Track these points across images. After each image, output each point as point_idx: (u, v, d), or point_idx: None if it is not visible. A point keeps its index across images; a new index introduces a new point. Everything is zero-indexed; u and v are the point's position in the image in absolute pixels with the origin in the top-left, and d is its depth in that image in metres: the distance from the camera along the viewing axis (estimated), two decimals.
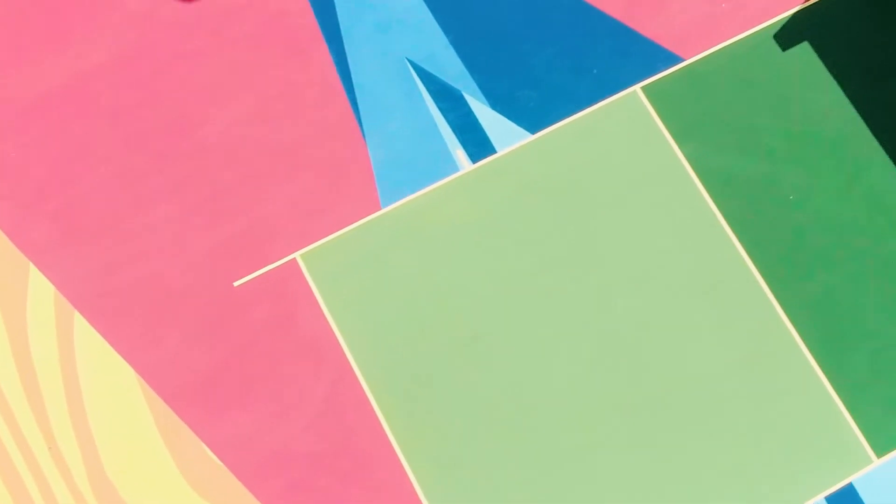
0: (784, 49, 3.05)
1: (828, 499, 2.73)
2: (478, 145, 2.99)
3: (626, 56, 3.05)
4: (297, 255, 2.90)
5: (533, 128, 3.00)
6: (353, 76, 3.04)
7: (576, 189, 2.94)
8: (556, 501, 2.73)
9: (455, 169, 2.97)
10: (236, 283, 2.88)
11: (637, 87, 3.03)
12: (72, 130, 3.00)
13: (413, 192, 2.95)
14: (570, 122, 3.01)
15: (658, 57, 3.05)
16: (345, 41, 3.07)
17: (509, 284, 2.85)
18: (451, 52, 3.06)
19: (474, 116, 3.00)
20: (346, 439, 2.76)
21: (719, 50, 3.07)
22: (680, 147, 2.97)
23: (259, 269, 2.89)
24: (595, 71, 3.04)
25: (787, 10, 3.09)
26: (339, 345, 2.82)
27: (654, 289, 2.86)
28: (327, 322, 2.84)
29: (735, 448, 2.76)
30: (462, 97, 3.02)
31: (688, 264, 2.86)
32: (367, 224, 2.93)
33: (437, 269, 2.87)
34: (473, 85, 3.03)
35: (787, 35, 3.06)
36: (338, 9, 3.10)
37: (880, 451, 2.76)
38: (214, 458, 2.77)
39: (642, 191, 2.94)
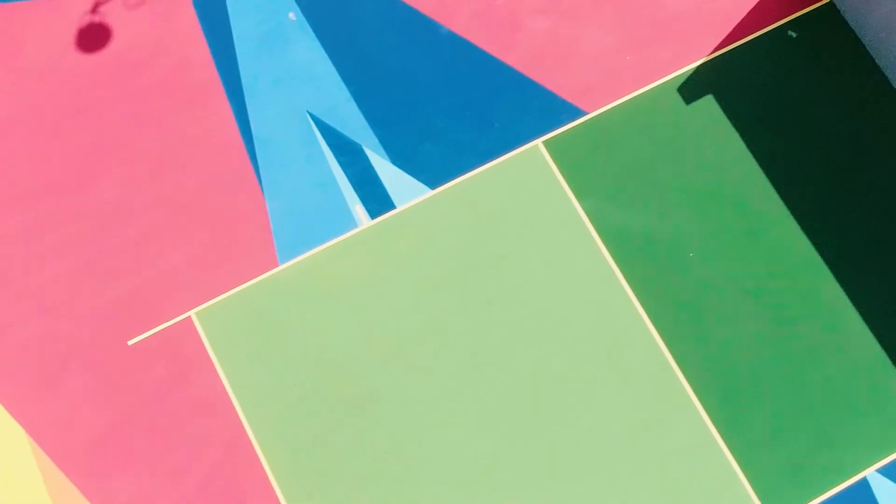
0: (688, 102, 3.03)
1: None
2: (377, 201, 2.96)
3: (529, 109, 3.03)
4: (192, 312, 2.87)
5: (433, 182, 2.97)
6: (253, 129, 3.01)
7: (474, 245, 2.92)
8: None
9: (354, 225, 2.94)
10: (131, 342, 2.85)
11: (539, 141, 3.01)
12: None
13: (311, 248, 2.92)
14: (470, 176, 2.98)
15: (561, 110, 3.03)
16: (246, 93, 3.04)
17: (406, 342, 2.83)
18: (353, 105, 3.03)
19: (374, 171, 2.98)
20: (239, 502, 2.74)
21: (623, 103, 3.04)
22: (580, 202, 2.95)
23: (154, 327, 2.86)
24: (497, 125, 3.02)
25: (691, 62, 3.07)
26: (233, 405, 2.80)
27: (552, 348, 2.84)
28: (221, 382, 2.81)
29: None
30: (362, 151, 2.99)
31: (586, 323, 2.84)
32: (263, 281, 2.90)
33: (333, 328, 2.84)
34: (374, 139, 3.01)
35: (691, 88, 3.05)
36: (240, 60, 3.07)
37: None
38: None
39: (541, 248, 2.92)
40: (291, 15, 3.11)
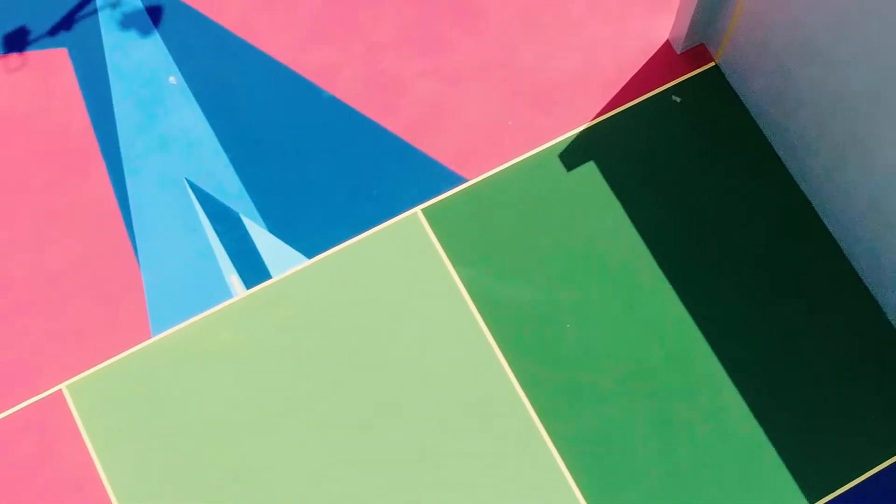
0: (569, 169, 3.01)
1: None
2: (253, 271, 2.94)
3: (409, 176, 3.01)
4: (63, 385, 2.85)
5: (310, 252, 2.95)
6: (130, 197, 2.99)
7: (350, 316, 2.90)
8: None
9: (229, 295, 2.92)
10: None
11: (418, 209, 2.99)
12: None
13: (185, 319, 2.90)
14: (348, 245, 2.97)
15: (441, 177, 3.01)
16: (124, 160, 3.01)
17: (280, 415, 2.81)
18: (231, 172, 3.01)
19: (251, 240, 2.96)
20: None
21: (504, 170, 3.02)
22: (457, 272, 2.93)
23: (24, 400, 2.84)
24: (376, 192, 3.00)
25: (574, 128, 3.04)
26: (102, 482, 2.78)
27: (426, 421, 2.82)
28: (91, 457, 2.79)
29: None
30: (239, 219, 2.97)
31: (460, 395, 2.83)
32: (136, 353, 2.88)
33: (205, 402, 2.82)
34: (252, 207, 2.98)
35: (572, 155, 3.02)
36: (119, 126, 3.05)
37: None
38: None
39: (418, 318, 2.90)
40: (172, 79, 3.08)
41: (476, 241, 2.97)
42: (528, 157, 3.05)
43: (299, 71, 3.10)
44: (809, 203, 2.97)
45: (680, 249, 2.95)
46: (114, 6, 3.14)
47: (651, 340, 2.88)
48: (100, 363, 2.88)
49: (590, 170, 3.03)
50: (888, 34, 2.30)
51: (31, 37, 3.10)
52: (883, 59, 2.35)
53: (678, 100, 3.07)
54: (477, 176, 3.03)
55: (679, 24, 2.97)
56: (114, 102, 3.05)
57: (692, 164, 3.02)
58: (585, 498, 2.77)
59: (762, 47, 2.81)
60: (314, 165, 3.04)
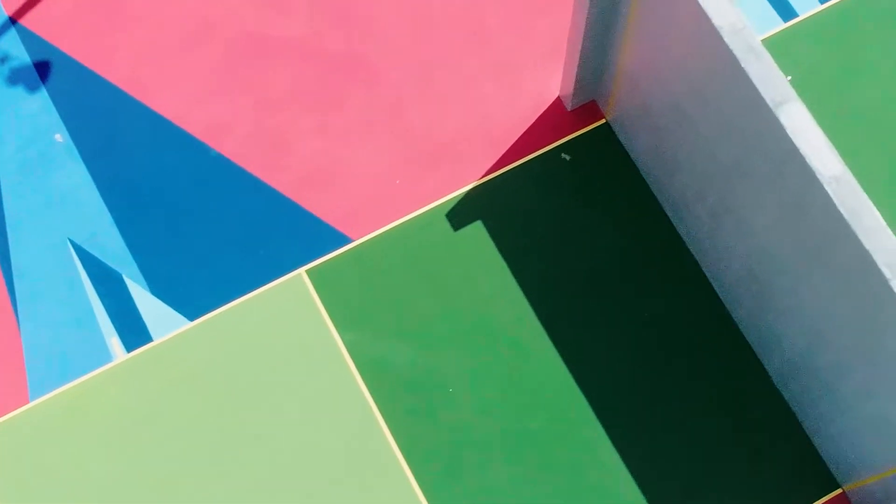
0: (456, 229, 2.98)
1: None
2: (134, 333, 2.91)
3: (295, 236, 2.98)
4: None
5: (192, 314, 2.92)
6: (12, 259, 2.96)
7: (231, 380, 2.87)
8: None
9: (109, 358, 2.89)
10: None
11: (302, 270, 2.96)
12: None
13: (64, 383, 2.87)
14: (230, 307, 2.94)
15: (327, 237, 2.98)
16: (7, 220, 2.99)
17: (160, 481, 2.78)
18: (115, 232, 2.98)
19: (133, 302, 2.93)
20: None
21: (390, 229, 2.99)
22: (340, 335, 2.90)
23: None
24: (261, 252, 2.97)
25: (462, 187, 3.01)
26: None
27: (306, 485, 2.79)
28: None
29: None
30: (122, 281, 2.94)
31: (341, 461, 2.80)
32: (12, 419, 2.85)
33: (85, 468, 2.80)
34: (135, 268, 2.96)
35: (460, 214, 2.99)
36: (2, 185, 3.02)
37: None
38: None
39: (300, 383, 2.87)
40: (58, 136, 3.05)
41: (360, 303, 2.94)
42: (415, 217, 3.01)
43: (187, 128, 3.07)
44: (697, 264, 2.94)
45: (567, 310, 2.92)
46: (2, 61, 3.11)
47: (535, 405, 2.85)
48: None
49: (477, 229, 3.00)
50: (743, 111, 2.27)
51: None
52: (741, 135, 2.32)
53: (567, 157, 3.04)
54: (363, 236, 3.00)
55: (566, 82, 2.94)
56: None
57: (581, 223, 2.99)
58: None
59: (642, 109, 2.78)
60: (199, 225, 3.01)
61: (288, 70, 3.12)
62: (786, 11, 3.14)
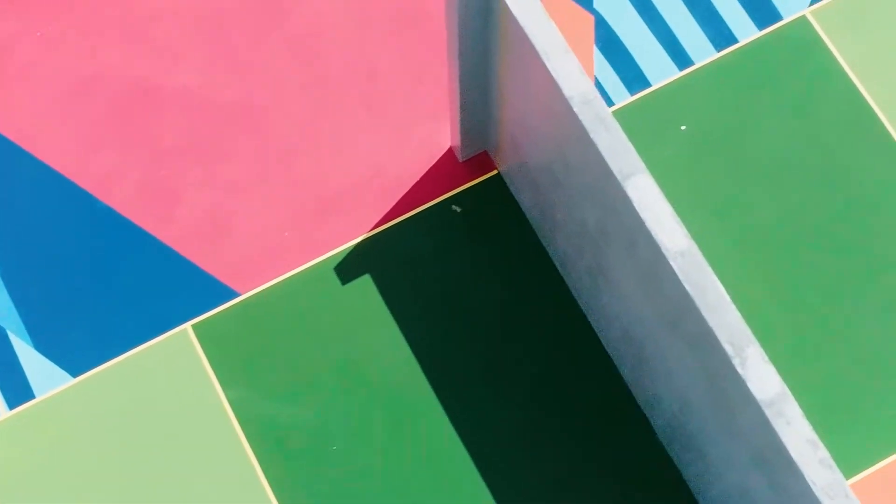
0: (344, 282, 2.95)
1: None
2: (16, 390, 2.88)
3: (182, 290, 2.95)
4: None
5: (76, 370, 2.89)
6: None
7: (113, 439, 2.84)
8: None
9: None
10: None
11: (188, 325, 2.93)
12: None
13: None
14: (115, 363, 2.91)
15: (214, 291, 2.95)
16: None
17: None
18: (0, 287, 2.95)
19: (16, 358, 2.90)
20: None
21: (278, 283, 2.96)
22: (225, 393, 2.87)
23: None
24: (148, 307, 2.94)
25: (351, 240, 2.98)
26: None
27: None
28: None
29: None
30: (6, 336, 2.91)
31: None
32: None
33: None
34: (20, 323, 2.93)
35: (348, 267, 2.96)
36: None
37: None
38: None
39: (182, 440, 2.84)
40: None
41: (246, 360, 2.91)
42: (303, 270, 2.98)
43: (76, 180, 3.04)
44: (586, 318, 2.91)
45: (454, 366, 2.89)
46: None
47: (420, 464, 2.82)
48: None
49: (365, 283, 2.97)
50: (598, 180, 2.23)
51: None
52: (601, 203, 2.29)
53: (458, 209, 3.01)
54: (251, 290, 2.97)
55: (454, 133, 2.91)
56: None
57: (470, 276, 2.95)
58: None
59: (524, 165, 2.75)
60: (85, 279, 2.98)
61: (179, 120, 3.08)
62: (682, 59, 3.11)
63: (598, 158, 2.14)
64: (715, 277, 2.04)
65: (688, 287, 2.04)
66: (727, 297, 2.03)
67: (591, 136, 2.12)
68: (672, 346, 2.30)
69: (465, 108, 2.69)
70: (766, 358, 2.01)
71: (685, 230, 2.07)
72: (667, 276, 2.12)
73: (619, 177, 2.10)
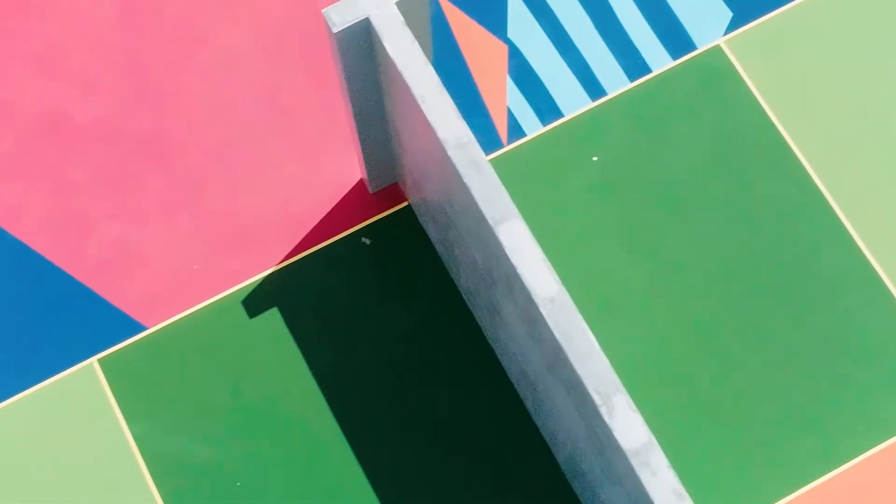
0: (252, 316, 2.93)
1: None
2: None
3: (88, 324, 2.93)
4: None
5: None
6: None
7: (20, 474, 2.82)
8: None
9: None
10: None
11: (94, 360, 2.91)
12: None
13: None
14: (19, 398, 2.89)
15: (121, 325, 2.93)
16: None
17: None
18: None
19: None
20: None
21: (186, 316, 2.94)
22: (130, 428, 2.85)
23: None
24: (53, 341, 2.92)
25: (260, 272, 2.96)
26: None
27: None
28: None
29: None
30: None
31: None
32: None
33: None
34: None
35: (256, 301, 2.94)
36: None
37: None
38: None
39: (86, 477, 2.83)
40: None
41: (152, 394, 2.89)
42: (211, 304, 2.97)
43: None
44: (493, 352, 2.89)
45: (362, 400, 2.87)
46: None
47: (332, 496, 2.80)
48: None
49: (273, 317, 2.95)
50: (476, 224, 2.22)
51: None
52: (484, 245, 2.27)
53: (367, 241, 2.99)
54: (158, 323, 2.95)
55: (361, 166, 2.90)
56: None
57: (378, 309, 2.94)
58: None
59: (424, 200, 2.74)
60: None
61: (89, 151, 3.07)
62: (595, 90, 3.09)
63: (473, 203, 2.12)
64: (585, 325, 2.03)
65: (556, 334, 2.02)
66: (596, 345, 2.01)
67: (465, 180, 2.10)
68: (555, 388, 2.28)
69: (364, 143, 2.67)
70: (634, 407, 1.99)
71: (556, 276, 2.05)
72: (540, 321, 2.10)
73: (491, 222, 2.08)
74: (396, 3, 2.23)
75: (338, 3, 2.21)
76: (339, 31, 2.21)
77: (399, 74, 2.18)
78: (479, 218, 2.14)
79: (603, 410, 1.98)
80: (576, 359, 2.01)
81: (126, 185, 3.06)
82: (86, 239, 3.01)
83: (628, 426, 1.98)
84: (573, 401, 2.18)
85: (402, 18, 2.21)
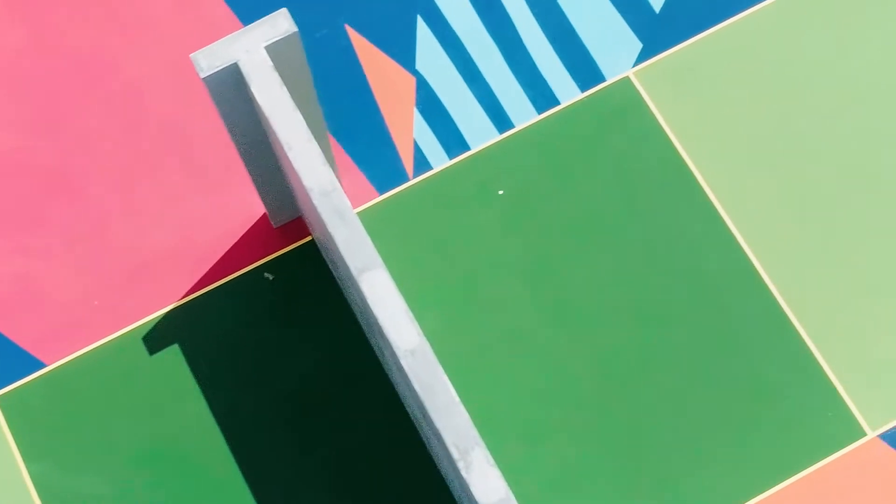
0: (151, 352, 2.91)
1: None
2: None
3: None
4: None
5: None
6: None
7: None
8: None
9: None
10: None
11: None
12: None
13: None
14: None
15: (20, 362, 2.91)
16: None
17: None
18: None
19: None
20: None
21: (85, 354, 2.92)
22: (28, 467, 2.83)
23: None
24: None
25: (162, 308, 2.94)
26: None
27: None
28: None
29: None
30: None
31: None
32: None
33: None
34: None
35: (157, 337, 2.92)
36: None
37: None
38: None
39: None
40: None
41: (51, 433, 2.87)
42: (111, 340, 2.94)
43: None
44: (394, 387, 2.87)
45: (264, 437, 2.85)
46: None
47: None
48: None
49: (174, 353, 2.92)
50: (346, 271, 2.20)
51: None
52: (357, 292, 2.25)
53: (270, 276, 2.96)
54: (58, 360, 2.93)
55: (260, 201, 2.87)
56: None
57: (281, 345, 2.91)
58: None
59: (317, 237, 2.71)
60: None
61: None
62: (502, 122, 3.07)
63: (338, 251, 2.10)
64: (445, 378, 2.00)
65: (416, 386, 2.00)
66: (456, 398, 1.99)
67: (329, 229, 2.08)
68: (429, 436, 2.26)
69: (255, 178, 2.65)
70: (492, 462, 1.97)
71: (418, 328, 2.03)
72: (403, 371, 2.08)
73: (354, 271, 2.06)
74: (266, 48, 2.20)
75: (208, 46, 2.18)
76: (206, 77, 2.19)
77: (267, 120, 2.16)
78: (346, 266, 2.12)
79: (461, 465, 1.96)
80: (435, 411, 1.98)
81: (28, 218, 3.04)
82: None
83: (485, 481, 1.96)
84: (442, 450, 2.16)
85: (271, 63, 2.18)
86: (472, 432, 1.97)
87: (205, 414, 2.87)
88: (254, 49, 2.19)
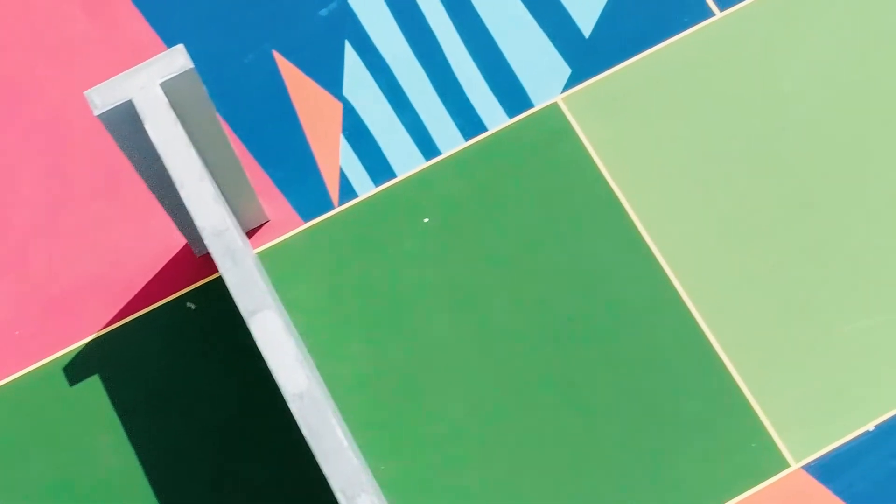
0: (72, 383, 2.88)
1: None
2: None
3: None
4: None
5: None
6: None
7: None
8: None
9: None
10: None
11: None
12: None
13: None
14: None
15: None
16: None
17: None
18: None
19: None
20: None
21: (4, 385, 2.89)
22: None
23: None
24: None
25: (82, 338, 2.91)
26: None
27: None
28: None
29: None
30: None
31: None
32: None
33: None
34: None
35: (77, 368, 2.89)
36: None
37: None
38: None
39: None
40: None
41: None
42: (31, 371, 2.92)
43: None
44: None
45: (183, 470, 2.82)
46: None
47: None
48: None
49: (94, 384, 2.90)
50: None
51: None
52: None
53: (192, 306, 2.94)
54: None
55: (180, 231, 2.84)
56: None
57: (201, 376, 2.89)
58: None
59: None
60: None
61: None
62: (429, 149, 3.04)
63: (229, 292, 2.07)
64: (334, 422, 1.97)
65: (304, 431, 1.97)
66: (345, 443, 1.96)
67: (220, 270, 2.05)
68: None
69: (167, 208, 2.62)
70: None
71: (307, 371, 2.00)
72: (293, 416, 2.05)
73: (244, 313, 2.03)
74: (162, 84, 2.17)
75: (103, 83, 2.15)
76: (101, 114, 2.16)
77: (159, 158, 2.13)
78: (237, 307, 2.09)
79: None
80: (322, 457, 1.95)
81: None
82: None
83: None
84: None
85: (166, 100, 2.15)
86: (360, 478, 1.94)
87: (123, 444, 2.85)
88: (149, 86, 2.16)
